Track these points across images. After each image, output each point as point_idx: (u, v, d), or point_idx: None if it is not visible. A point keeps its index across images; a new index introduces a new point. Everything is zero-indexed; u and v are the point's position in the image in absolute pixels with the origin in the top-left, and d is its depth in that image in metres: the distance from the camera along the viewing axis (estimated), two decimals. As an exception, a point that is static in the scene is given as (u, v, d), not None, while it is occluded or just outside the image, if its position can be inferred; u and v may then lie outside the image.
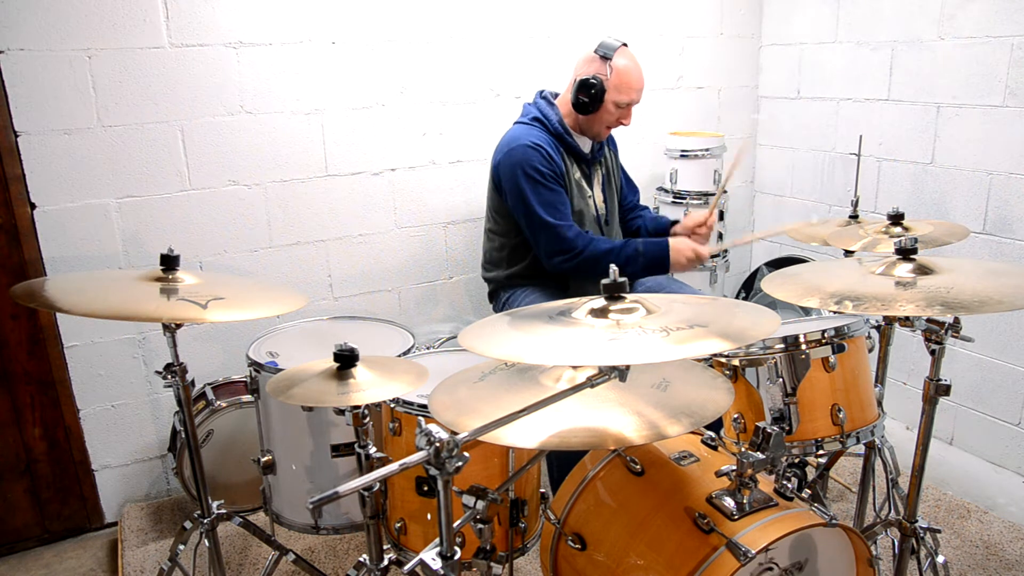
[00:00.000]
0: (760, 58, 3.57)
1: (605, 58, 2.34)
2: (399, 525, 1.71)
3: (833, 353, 1.67)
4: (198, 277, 1.77)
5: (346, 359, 1.53)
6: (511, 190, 2.37)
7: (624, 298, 1.26)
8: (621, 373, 1.15)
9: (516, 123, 2.49)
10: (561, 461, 2.13)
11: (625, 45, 2.38)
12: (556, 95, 2.50)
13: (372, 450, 1.58)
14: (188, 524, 1.96)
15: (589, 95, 2.34)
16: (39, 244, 2.39)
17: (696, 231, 2.50)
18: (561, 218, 2.33)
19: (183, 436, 2.20)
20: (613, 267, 1.27)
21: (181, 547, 1.98)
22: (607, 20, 3.09)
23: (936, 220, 2.41)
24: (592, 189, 2.50)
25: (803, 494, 1.60)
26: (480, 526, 1.24)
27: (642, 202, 2.82)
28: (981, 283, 1.42)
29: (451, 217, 3.02)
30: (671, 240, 2.39)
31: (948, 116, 2.79)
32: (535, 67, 3.01)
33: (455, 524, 1.15)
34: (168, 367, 1.80)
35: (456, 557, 1.14)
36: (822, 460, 2.34)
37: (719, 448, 1.67)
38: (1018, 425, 2.73)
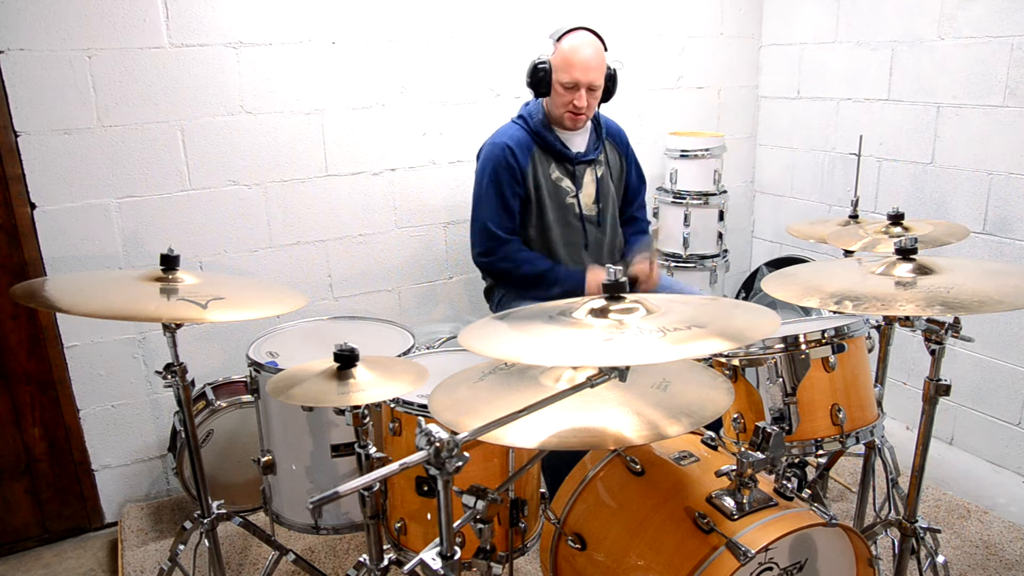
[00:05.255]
0: (760, 58, 3.57)
1: (556, 40, 2.36)
2: (399, 525, 1.71)
3: (833, 353, 1.67)
4: (198, 277, 1.77)
5: (346, 359, 1.53)
6: (476, 180, 2.46)
7: (624, 298, 1.26)
8: (621, 373, 1.15)
9: (510, 119, 2.52)
10: (555, 465, 2.08)
11: (588, 30, 2.36)
12: None
13: (372, 450, 1.58)
14: (188, 524, 1.96)
15: (536, 77, 2.36)
16: (39, 244, 2.39)
17: (640, 279, 2.40)
18: (500, 226, 2.39)
19: (183, 436, 2.20)
20: (610, 267, 1.27)
21: (181, 547, 1.98)
22: (607, 20, 3.09)
23: (936, 220, 2.41)
24: (579, 188, 2.47)
25: (803, 494, 1.60)
26: (480, 526, 1.24)
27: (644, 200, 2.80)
28: (981, 283, 1.42)
29: (451, 217, 3.02)
30: (590, 270, 2.39)
31: (948, 116, 2.79)
32: (535, 67, 3.02)
33: (455, 524, 1.15)
34: (168, 367, 1.80)
35: (456, 557, 1.14)
36: (822, 460, 2.34)
37: (719, 448, 1.67)
38: (1018, 425, 2.73)
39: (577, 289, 2.36)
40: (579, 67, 2.31)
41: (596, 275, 2.38)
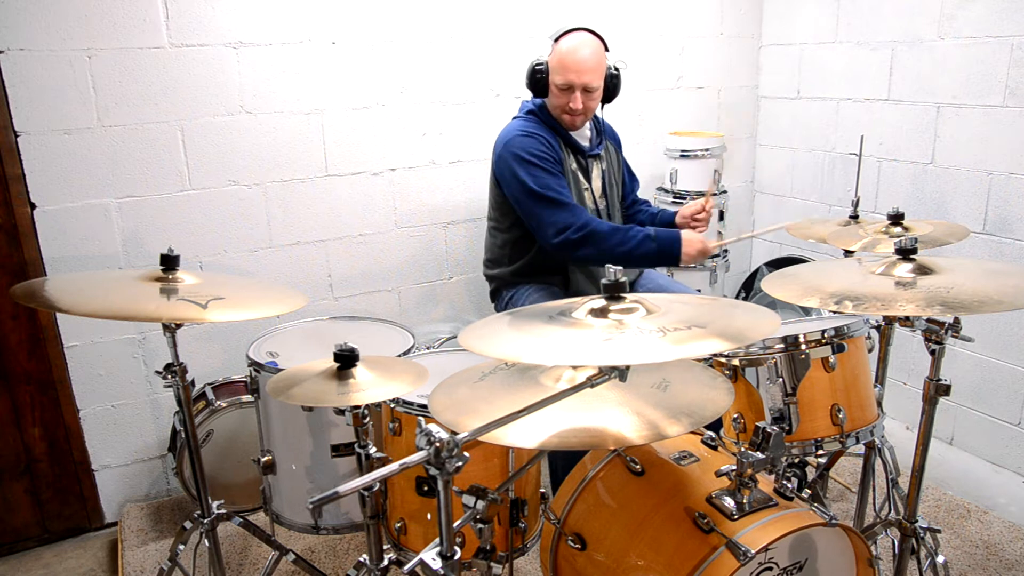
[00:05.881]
0: (760, 58, 3.57)
1: (554, 41, 2.35)
2: (399, 525, 1.71)
3: (833, 353, 1.67)
4: (198, 277, 1.77)
5: (346, 359, 1.53)
6: (510, 179, 2.35)
7: (624, 298, 1.26)
8: (621, 373, 1.15)
9: (514, 118, 2.51)
10: (567, 462, 2.12)
11: (589, 31, 2.34)
12: None
13: (372, 450, 1.58)
14: (188, 524, 1.96)
15: (533, 78, 2.36)
16: (39, 244, 2.39)
17: (695, 218, 2.50)
18: (563, 197, 2.30)
19: (183, 436, 2.20)
20: (611, 267, 1.27)
21: (181, 547, 1.98)
22: (607, 20, 3.10)
23: (936, 220, 2.41)
24: (590, 183, 2.49)
25: (803, 494, 1.60)
26: (480, 526, 1.24)
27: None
28: (981, 283, 1.42)
29: (451, 217, 3.02)
30: (683, 231, 2.36)
31: (948, 116, 2.79)
32: (535, 67, 3.02)
33: (455, 524, 1.15)
34: (168, 367, 1.80)
35: (456, 557, 1.14)
36: (822, 460, 2.34)
37: (719, 448, 1.67)
38: (1018, 425, 2.73)
39: (672, 249, 2.29)
40: (573, 68, 2.29)
41: (691, 237, 2.32)
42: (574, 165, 2.45)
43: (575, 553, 1.58)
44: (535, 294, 2.47)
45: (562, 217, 2.27)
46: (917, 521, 1.71)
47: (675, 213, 2.61)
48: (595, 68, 2.32)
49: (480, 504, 1.22)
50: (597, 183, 2.51)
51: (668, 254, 2.31)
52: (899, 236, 1.94)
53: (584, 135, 2.49)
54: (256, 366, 1.99)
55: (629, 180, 2.75)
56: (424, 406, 1.61)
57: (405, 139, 2.87)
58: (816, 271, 1.70)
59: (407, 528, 1.70)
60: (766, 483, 1.49)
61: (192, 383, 1.86)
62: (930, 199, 2.90)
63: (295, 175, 2.72)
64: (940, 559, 1.77)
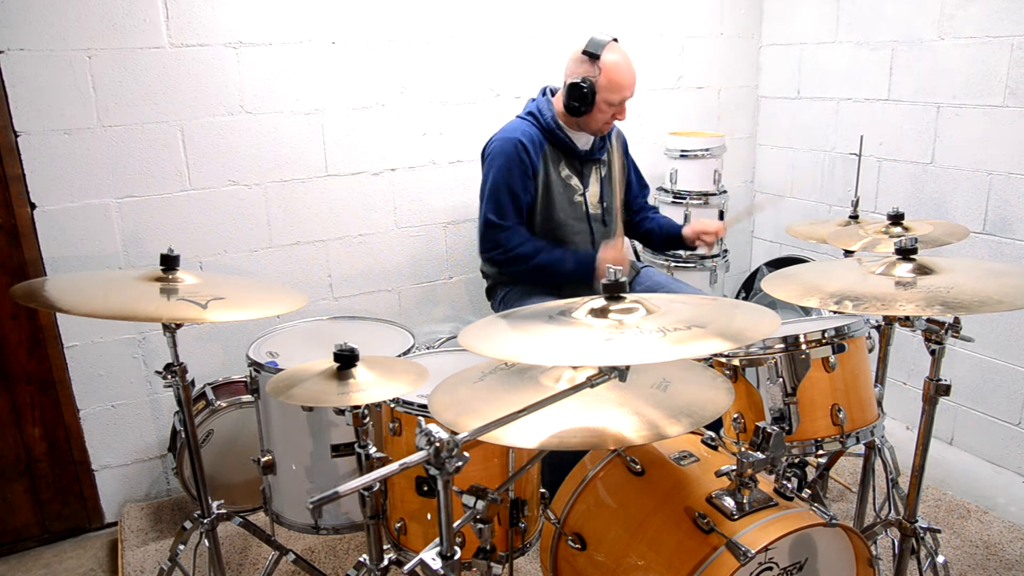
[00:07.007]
0: (760, 58, 3.57)
1: (594, 56, 2.31)
2: (399, 525, 1.71)
3: (833, 353, 1.67)
4: (198, 277, 1.77)
5: (346, 359, 1.53)
6: (483, 177, 2.46)
7: (624, 298, 1.26)
8: (621, 373, 1.15)
9: (516, 116, 2.51)
10: (554, 465, 2.09)
11: (615, 40, 2.36)
12: (558, 91, 2.50)
13: (372, 450, 1.58)
14: (188, 524, 1.96)
15: (580, 98, 2.32)
16: (39, 244, 2.39)
17: (703, 238, 2.50)
18: (504, 218, 2.38)
19: (183, 436, 2.20)
20: (610, 267, 1.27)
21: (181, 547, 1.98)
22: (607, 20, 3.09)
23: (936, 220, 2.41)
24: (586, 187, 2.48)
25: (803, 494, 1.60)
26: (480, 526, 1.24)
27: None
28: (981, 283, 1.43)
29: (451, 217, 3.02)
30: (600, 251, 2.40)
31: (948, 116, 2.79)
32: (535, 67, 3.01)
33: (455, 524, 1.15)
34: (168, 367, 1.80)
35: (456, 557, 1.14)
36: (822, 460, 2.34)
37: (719, 448, 1.67)
38: (1018, 425, 2.73)
39: (589, 268, 2.36)
40: (628, 85, 2.35)
41: (607, 251, 2.38)
42: (566, 171, 2.45)
43: (575, 553, 1.58)
44: (529, 291, 2.47)
45: (494, 239, 2.39)
46: (917, 521, 1.71)
47: (681, 226, 2.62)
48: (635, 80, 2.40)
49: (480, 504, 1.22)
50: (594, 188, 2.50)
51: (583, 269, 2.37)
52: (899, 236, 1.94)
53: (584, 138, 2.49)
54: (256, 366, 1.99)
55: (639, 187, 2.73)
56: (424, 406, 1.61)
57: (405, 139, 2.87)
58: (816, 271, 1.70)
59: (407, 528, 1.70)
60: (766, 483, 1.49)
61: (192, 383, 1.86)
62: (930, 199, 2.90)
63: (295, 175, 2.72)
64: (940, 559, 1.77)
